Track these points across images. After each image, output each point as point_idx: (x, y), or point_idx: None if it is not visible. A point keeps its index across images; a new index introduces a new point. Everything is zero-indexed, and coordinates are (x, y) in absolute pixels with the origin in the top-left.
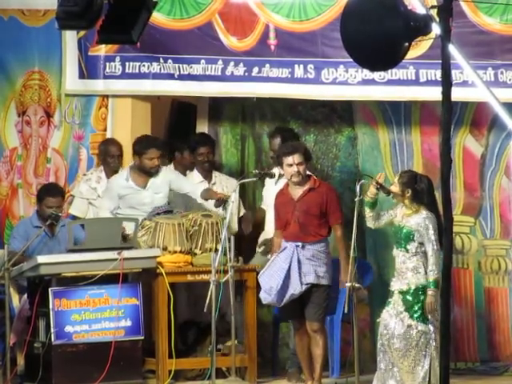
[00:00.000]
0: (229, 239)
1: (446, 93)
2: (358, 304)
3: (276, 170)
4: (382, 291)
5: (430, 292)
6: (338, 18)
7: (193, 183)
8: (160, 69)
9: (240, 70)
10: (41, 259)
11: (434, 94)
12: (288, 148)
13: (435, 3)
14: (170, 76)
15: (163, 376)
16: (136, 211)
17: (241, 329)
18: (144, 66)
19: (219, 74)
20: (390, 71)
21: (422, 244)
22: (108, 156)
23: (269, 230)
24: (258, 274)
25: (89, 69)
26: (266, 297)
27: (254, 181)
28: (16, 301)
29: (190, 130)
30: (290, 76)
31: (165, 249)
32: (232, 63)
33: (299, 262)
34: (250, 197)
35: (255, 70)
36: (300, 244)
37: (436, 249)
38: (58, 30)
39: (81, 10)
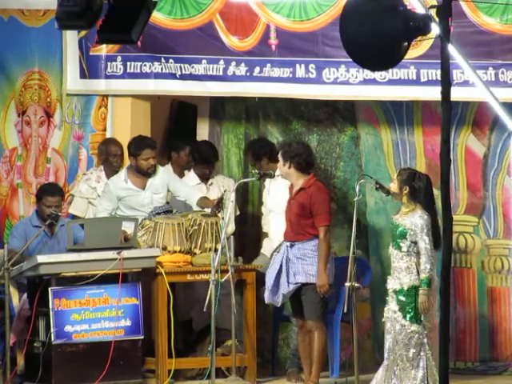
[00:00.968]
0: (228, 239)
1: (446, 93)
2: (360, 303)
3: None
4: (384, 291)
5: (421, 291)
6: (338, 18)
7: (188, 185)
8: (162, 69)
9: (241, 70)
10: (40, 259)
11: (435, 93)
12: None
13: (435, 3)
14: (172, 76)
15: (163, 375)
16: (136, 212)
17: (239, 328)
18: (145, 65)
19: (221, 73)
20: (390, 71)
21: (414, 243)
22: (110, 156)
23: (273, 236)
24: (257, 273)
25: (90, 68)
26: (266, 296)
27: (253, 181)
28: (16, 300)
29: (189, 130)
30: (291, 76)
31: (164, 248)
32: (233, 63)
33: (288, 261)
34: (254, 196)
35: (256, 69)
36: (289, 243)
37: (428, 248)
38: (58, 30)
39: (81, 10)
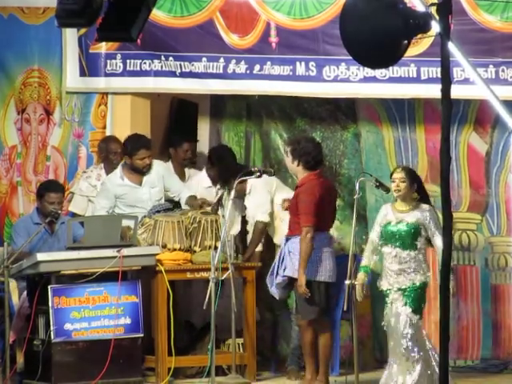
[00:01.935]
0: (228, 236)
1: (446, 90)
2: (360, 301)
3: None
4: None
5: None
6: (338, 16)
7: (181, 183)
8: (161, 66)
9: (241, 68)
10: (40, 257)
11: (436, 91)
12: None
13: (435, 1)
14: (172, 74)
15: (163, 373)
16: (135, 209)
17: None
18: (145, 63)
19: (221, 71)
20: (391, 69)
21: (427, 239)
22: (110, 153)
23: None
24: (257, 271)
25: (90, 66)
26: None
27: (252, 178)
28: (15, 298)
29: (190, 128)
30: (291, 73)
31: (164, 246)
32: (233, 61)
33: (282, 254)
34: None
35: (257, 67)
36: (286, 238)
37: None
38: (58, 28)
39: (80, 7)
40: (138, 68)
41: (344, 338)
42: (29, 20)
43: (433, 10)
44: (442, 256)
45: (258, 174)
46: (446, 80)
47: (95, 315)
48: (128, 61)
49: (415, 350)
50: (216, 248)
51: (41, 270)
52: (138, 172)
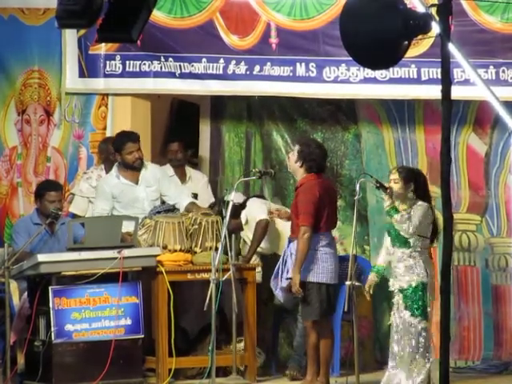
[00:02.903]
0: (229, 238)
1: (446, 91)
2: (361, 302)
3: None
4: (385, 290)
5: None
6: (339, 17)
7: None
8: (161, 67)
9: (241, 69)
10: (41, 258)
11: (436, 92)
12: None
13: (435, 1)
14: (172, 75)
15: (163, 374)
16: (133, 210)
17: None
18: (145, 64)
19: (221, 72)
20: (391, 70)
21: (422, 237)
22: (110, 154)
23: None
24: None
25: (89, 67)
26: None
27: (253, 179)
28: (16, 299)
29: (190, 129)
30: (291, 74)
31: (165, 247)
32: (233, 62)
33: (284, 257)
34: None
35: (257, 68)
36: (290, 239)
37: (413, 231)
38: (58, 29)
39: (81, 8)
40: (138, 69)
41: (344, 339)
42: (29, 21)
43: (433, 10)
44: (442, 256)
45: (259, 174)
46: (447, 81)
47: (96, 316)
48: (127, 62)
49: (418, 354)
50: (217, 249)
51: (41, 270)
52: (132, 168)
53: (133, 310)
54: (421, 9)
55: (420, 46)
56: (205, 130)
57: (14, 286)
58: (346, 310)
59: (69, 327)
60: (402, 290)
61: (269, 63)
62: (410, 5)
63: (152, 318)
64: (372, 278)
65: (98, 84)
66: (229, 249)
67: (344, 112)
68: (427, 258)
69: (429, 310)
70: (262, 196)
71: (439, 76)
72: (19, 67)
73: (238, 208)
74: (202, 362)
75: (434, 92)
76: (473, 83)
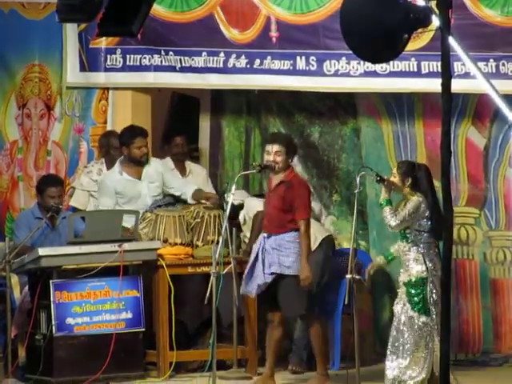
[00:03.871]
0: (230, 231)
1: (446, 84)
2: (361, 296)
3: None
4: (385, 282)
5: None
6: (339, 10)
7: (180, 179)
8: (161, 61)
9: (242, 63)
10: (42, 251)
11: (436, 85)
12: (271, 136)
13: None
14: (172, 68)
15: (164, 368)
16: (135, 205)
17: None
18: (145, 58)
19: (221, 66)
20: (391, 63)
21: (418, 231)
22: (111, 148)
23: None
24: None
25: (90, 61)
26: (242, 286)
27: (254, 173)
28: (17, 293)
29: (190, 123)
30: (291, 68)
31: (165, 241)
32: (234, 55)
33: (264, 251)
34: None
35: (257, 62)
36: (266, 234)
37: (396, 224)
38: (59, 23)
39: (81, 2)
40: (138, 63)
41: (344, 332)
42: (29, 15)
43: (433, 4)
44: (442, 250)
45: (258, 168)
46: (447, 74)
47: (96, 310)
48: (128, 56)
49: (419, 347)
50: (218, 243)
51: (42, 264)
52: (137, 163)
53: (133, 304)
54: (421, 2)
55: (420, 40)
56: (205, 124)
57: (14, 280)
58: (346, 302)
59: (70, 321)
60: (404, 284)
61: (269, 57)
62: None
63: (153, 312)
64: (378, 260)
65: (99, 78)
66: (229, 242)
67: (343, 106)
68: (430, 253)
69: (431, 305)
70: (260, 195)
71: (439, 69)
72: (20, 61)
73: (237, 208)
74: (202, 355)
75: (434, 85)
76: (473, 76)
